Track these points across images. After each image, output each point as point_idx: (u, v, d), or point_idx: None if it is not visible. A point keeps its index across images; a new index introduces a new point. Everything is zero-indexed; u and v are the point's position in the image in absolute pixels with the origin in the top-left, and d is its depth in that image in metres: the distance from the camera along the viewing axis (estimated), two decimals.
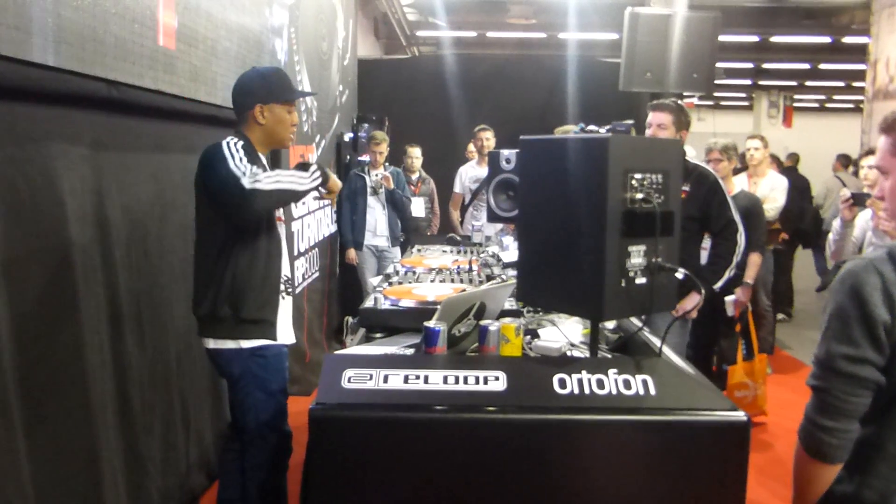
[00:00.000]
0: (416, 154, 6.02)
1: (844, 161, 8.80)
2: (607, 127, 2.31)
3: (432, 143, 6.37)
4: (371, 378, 1.69)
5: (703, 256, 3.38)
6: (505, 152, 2.78)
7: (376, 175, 5.52)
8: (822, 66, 14.25)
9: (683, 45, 5.28)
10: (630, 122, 2.47)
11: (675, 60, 5.29)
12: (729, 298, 4.11)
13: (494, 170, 2.83)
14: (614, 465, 1.65)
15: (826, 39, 11.72)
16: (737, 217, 3.20)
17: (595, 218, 1.70)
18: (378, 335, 2.31)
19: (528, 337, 2.16)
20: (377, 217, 5.59)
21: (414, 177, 6.03)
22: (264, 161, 2.52)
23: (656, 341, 2.04)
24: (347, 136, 6.13)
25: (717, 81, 5.71)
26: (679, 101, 3.49)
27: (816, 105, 21.48)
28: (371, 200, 5.56)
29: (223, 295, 2.39)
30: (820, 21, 10.58)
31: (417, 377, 1.70)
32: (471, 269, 2.99)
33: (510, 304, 2.35)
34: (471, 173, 5.75)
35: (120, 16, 2.39)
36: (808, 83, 17.06)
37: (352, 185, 5.57)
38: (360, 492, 1.66)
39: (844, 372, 1.34)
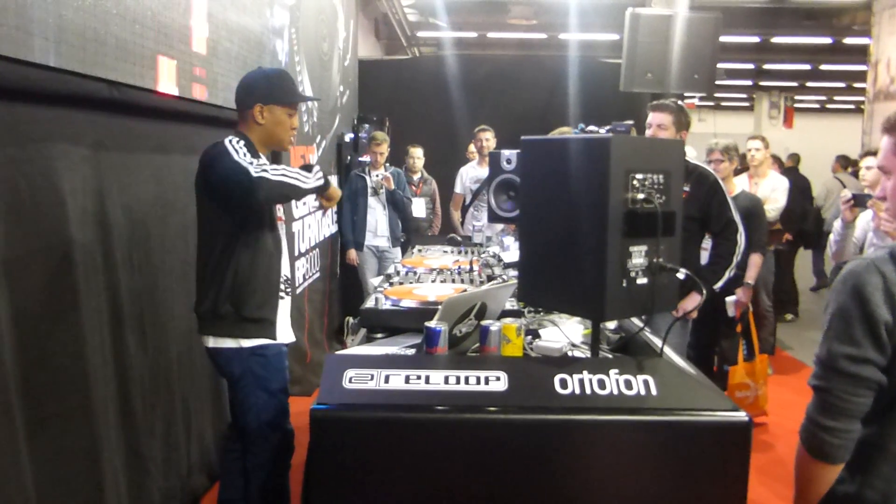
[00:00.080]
0: (418, 154, 6.02)
1: (844, 162, 8.82)
2: (607, 127, 2.31)
3: (433, 144, 6.37)
4: (372, 378, 1.69)
5: (704, 257, 3.38)
6: (506, 153, 2.78)
7: (377, 176, 5.52)
8: (823, 67, 14.25)
9: (684, 45, 5.28)
10: (630, 122, 2.47)
11: (676, 61, 5.29)
12: (730, 299, 4.11)
13: (495, 170, 2.83)
14: (616, 465, 1.65)
15: (827, 40, 11.72)
16: (737, 217, 3.20)
17: (596, 218, 1.69)
18: (379, 335, 2.31)
19: (529, 337, 2.16)
20: (378, 217, 5.59)
21: (416, 177, 6.03)
22: (265, 161, 2.52)
23: (657, 341, 2.04)
24: (348, 137, 6.13)
25: (717, 82, 5.71)
26: (679, 102, 3.49)
27: (817, 106, 21.48)
28: (372, 201, 5.56)
29: (224, 293, 2.39)
30: (821, 22, 10.59)
31: (419, 377, 1.70)
32: (472, 270, 2.99)
33: (511, 304, 2.35)
34: (471, 174, 5.75)
35: (121, 16, 2.39)
36: (809, 84, 17.06)
37: (352, 185, 5.57)
38: (361, 492, 1.66)
39: (846, 372, 1.34)
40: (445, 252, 3.82)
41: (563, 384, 1.69)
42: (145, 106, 2.63)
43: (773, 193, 5.09)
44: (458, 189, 5.88)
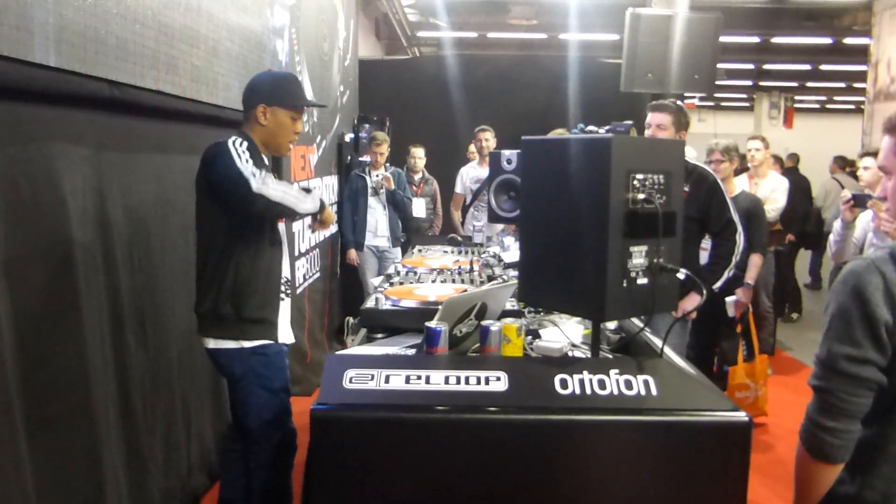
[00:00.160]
0: (419, 154, 6.02)
1: (841, 163, 8.84)
2: (606, 127, 2.31)
3: (434, 144, 6.37)
4: (372, 378, 1.69)
5: (704, 257, 3.38)
6: (506, 153, 2.78)
7: (377, 176, 5.52)
8: (823, 68, 14.25)
9: (684, 45, 5.28)
10: (629, 122, 2.47)
11: (677, 61, 5.29)
12: (730, 299, 4.11)
13: (496, 170, 2.84)
14: (616, 465, 1.65)
15: (827, 40, 11.72)
16: (736, 217, 3.21)
17: (597, 218, 1.70)
18: (379, 335, 2.31)
19: (530, 337, 2.16)
20: (378, 217, 5.59)
21: (417, 177, 6.03)
22: (267, 162, 2.52)
23: (657, 342, 2.04)
24: (348, 137, 6.14)
25: (717, 82, 5.71)
26: (678, 102, 3.50)
27: (817, 106, 21.48)
28: (372, 201, 5.56)
29: (225, 294, 2.39)
30: (821, 22, 10.59)
31: (419, 377, 1.70)
32: (472, 270, 2.99)
33: (511, 304, 2.35)
34: (472, 174, 5.75)
35: (122, 16, 2.39)
36: (809, 84, 17.06)
37: (353, 185, 5.58)
38: (361, 492, 1.66)
39: (846, 372, 1.34)
40: (446, 252, 3.82)
41: (564, 384, 1.69)
42: (146, 106, 2.63)
43: (773, 194, 5.09)
44: (458, 189, 5.88)
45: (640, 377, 1.70)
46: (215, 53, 3.19)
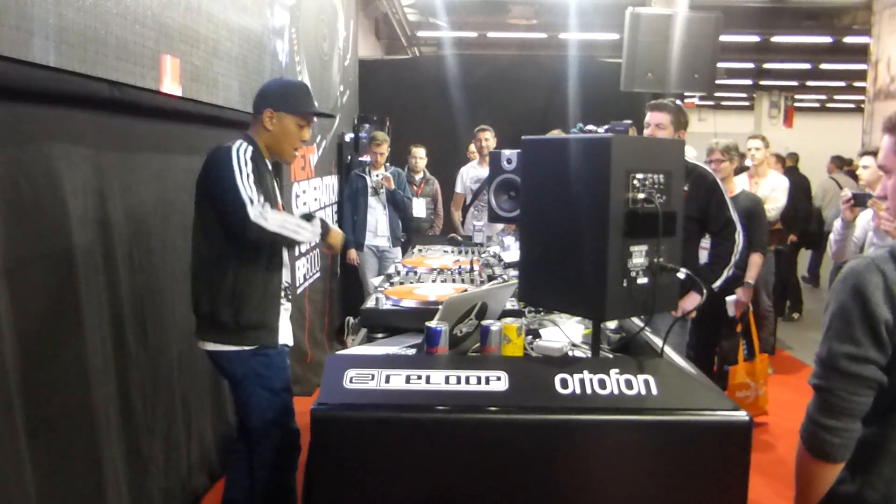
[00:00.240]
0: (420, 154, 6.02)
1: (839, 163, 8.85)
2: (605, 127, 2.31)
3: (434, 144, 6.37)
4: (373, 378, 1.69)
5: (704, 256, 3.39)
6: (506, 152, 2.79)
7: (377, 175, 5.52)
8: (823, 67, 14.25)
9: (684, 45, 5.28)
10: (628, 122, 2.47)
11: (677, 61, 5.29)
12: (730, 299, 4.11)
13: (496, 170, 2.84)
14: (616, 465, 1.65)
15: (827, 40, 11.72)
16: (735, 217, 3.21)
17: (597, 218, 1.70)
18: (379, 335, 2.31)
19: (530, 337, 2.16)
20: (378, 217, 5.59)
21: (418, 177, 6.03)
22: (269, 167, 2.51)
23: (658, 341, 2.04)
24: (348, 137, 6.14)
25: (718, 82, 5.71)
26: (677, 101, 3.50)
27: (817, 105, 21.48)
28: (372, 201, 5.56)
29: (223, 300, 2.38)
30: (821, 21, 10.59)
31: (419, 377, 1.70)
32: (472, 270, 2.99)
33: (512, 304, 2.35)
34: (472, 173, 5.75)
35: (122, 16, 2.39)
36: (809, 83, 17.06)
37: (353, 185, 5.58)
38: (361, 492, 1.66)
39: (846, 371, 1.34)
40: (446, 252, 3.82)
41: (564, 384, 1.69)
42: (146, 106, 2.63)
43: (774, 193, 5.09)
44: (458, 189, 5.88)
45: (641, 377, 1.70)
46: (215, 53, 3.19)
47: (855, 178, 7.98)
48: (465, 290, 2.46)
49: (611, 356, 2.04)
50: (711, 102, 17.96)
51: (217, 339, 2.43)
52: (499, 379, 1.70)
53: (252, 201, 2.27)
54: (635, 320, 2.25)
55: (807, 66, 14.31)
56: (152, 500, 2.70)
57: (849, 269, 1.38)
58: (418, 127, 6.71)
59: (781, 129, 17.21)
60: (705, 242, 3.37)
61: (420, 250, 3.91)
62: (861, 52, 9.08)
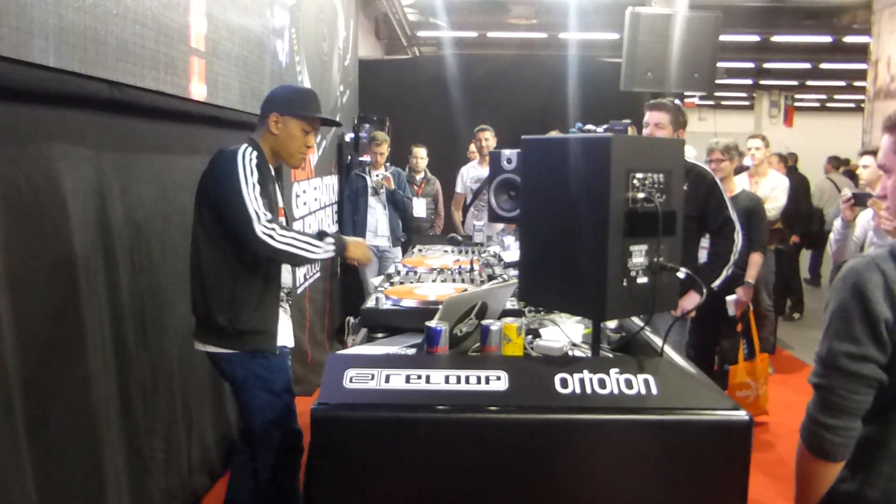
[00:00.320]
0: (421, 154, 6.03)
1: (836, 163, 8.87)
2: (604, 126, 2.31)
3: (434, 144, 6.37)
4: (373, 378, 1.69)
5: (704, 256, 3.38)
6: (506, 152, 2.78)
7: (377, 175, 5.52)
8: (823, 66, 14.25)
9: (684, 44, 5.28)
10: (627, 121, 2.47)
11: (676, 60, 5.29)
12: (730, 298, 4.11)
13: (496, 170, 2.83)
14: (616, 464, 1.65)
15: (827, 39, 11.72)
16: (734, 216, 3.21)
17: (597, 217, 1.70)
18: (380, 335, 2.31)
19: (530, 336, 2.16)
20: (378, 217, 5.59)
21: (418, 177, 6.04)
22: (272, 172, 2.50)
23: (658, 341, 2.04)
24: (348, 137, 6.14)
25: (717, 81, 5.71)
26: (676, 101, 3.49)
27: (817, 105, 21.48)
28: (372, 201, 5.56)
29: (221, 304, 2.37)
30: (821, 21, 10.59)
31: (419, 377, 1.70)
32: (472, 269, 2.99)
33: (512, 303, 2.35)
34: (472, 173, 5.76)
35: (121, 17, 2.39)
36: (809, 83, 17.06)
37: (353, 185, 5.58)
38: (361, 492, 1.66)
39: (846, 370, 1.34)
40: (446, 252, 3.82)
41: (564, 384, 1.69)
42: (146, 106, 2.63)
43: (774, 192, 5.09)
44: (458, 189, 5.88)
45: (641, 376, 1.70)
46: (215, 53, 3.19)
47: (852, 177, 8.01)
48: (466, 290, 2.46)
49: (611, 356, 2.04)
50: (711, 102, 17.96)
51: (216, 342, 2.42)
52: (499, 379, 1.70)
53: (258, 216, 2.26)
54: (635, 320, 2.25)
55: (807, 65, 14.32)
56: (153, 500, 2.70)
57: (849, 268, 1.38)
58: (418, 127, 6.71)
59: (781, 129, 17.22)
60: (705, 242, 3.37)
61: (420, 250, 3.91)
62: (861, 52, 9.08)
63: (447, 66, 7.20)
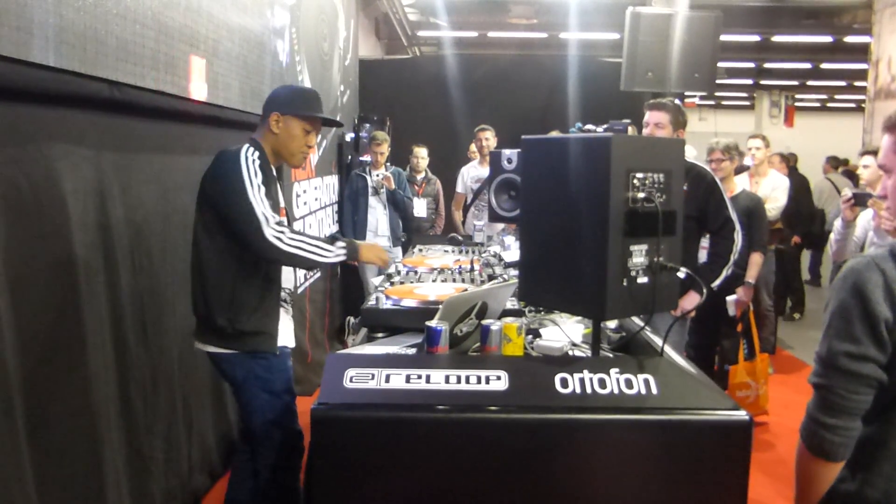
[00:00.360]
0: (422, 154, 6.03)
1: (834, 163, 8.87)
2: (604, 126, 2.31)
3: (434, 144, 6.37)
4: (373, 378, 1.69)
5: (704, 256, 3.38)
6: (506, 152, 2.78)
7: (377, 175, 5.52)
8: (824, 66, 14.25)
9: (685, 44, 5.28)
10: (627, 121, 2.47)
11: (677, 60, 5.29)
12: (731, 298, 4.11)
13: (496, 170, 2.83)
14: (616, 464, 1.65)
15: (828, 39, 11.72)
16: (734, 216, 3.21)
17: (597, 217, 1.70)
18: (380, 335, 2.31)
19: (530, 336, 2.16)
20: (378, 217, 5.59)
21: (419, 177, 6.04)
22: (274, 172, 2.50)
23: (658, 341, 2.04)
24: (349, 137, 6.14)
25: (718, 81, 5.71)
26: (676, 101, 3.50)
27: (818, 105, 21.47)
28: (372, 200, 5.56)
29: (221, 305, 2.36)
30: (821, 21, 10.58)
31: (419, 377, 1.70)
32: (472, 269, 2.99)
33: (512, 303, 2.35)
34: (472, 173, 5.76)
35: (122, 16, 2.39)
36: (810, 83, 17.05)
37: (353, 185, 5.58)
38: (361, 491, 1.66)
39: (846, 369, 1.34)
40: (446, 251, 3.82)
41: (564, 383, 1.69)
42: (146, 106, 2.63)
43: (774, 192, 5.09)
44: (459, 188, 5.88)
45: (641, 376, 1.70)
46: (215, 53, 3.19)
47: (851, 177, 8.02)
48: (466, 290, 2.46)
49: (611, 355, 2.04)
50: (712, 102, 17.96)
51: (216, 342, 2.42)
52: (499, 378, 1.70)
53: (267, 219, 2.26)
54: (635, 320, 2.25)
55: (807, 65, 14.31)
56: (153, 499, 2.70)
57: (849, 268, 1.38)
58: (419, 127, 6.71)
59: (782, 129, 17.21)
60: (705, 242, 3.37)
61: (420, 250, 3.91)
62: (862, 52, 9.08)
63: (447, 66, 7.21)
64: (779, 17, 10.36)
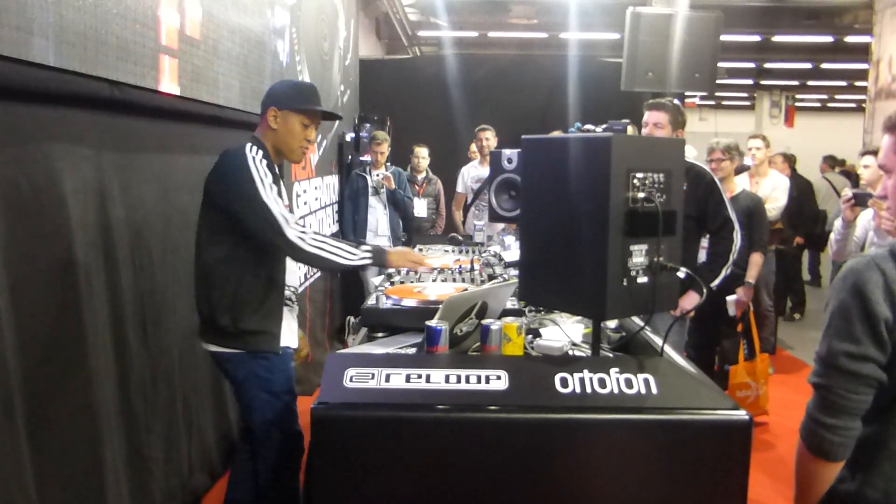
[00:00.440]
0: (423, 154, 6.03)
1: (831, 162, 8.88)
2: (603, 126, 2.31)
3: (435, 143, 6.38)
4: (373, 377, 1.69)
5: (703, 256, 3.38)
6: (507, 152, 2.78)
7: (377, 175, 5.52)
8: (824, 66, 14.23)
9: (685, 44, 5.28)
10: (626, 121, 2.47)
11: (677, 60, 5.29)
12: (731, 298, 4.11)
13: (496, 169, 2.83)
14: (616, 464, 1.65)
15: (828, 39, 11.71)
16: (733, 216, 3.21)
17: (597, 217, 1.70)
18: (380, 334, 2.31)
19: (530, 336, 2.16)
20: (378, 217, 5.59)
21: (420, 177, 6.04)
22: (277, 171, 2.50)
23: (658, 341, 2.04)
24: (349, 137, 6.14)
25: (718, 81, 5.71)
26: (675, 101, 3.50)
27: (818, 105, 21.46)
28: (373, 200, 5.56)
29: (224, 305, 2.36)
30: (822, 21, 10.58)
31: (419, 376, 1.70)
32: (473, 269, 2.99)
33: (512, 303, 2.35)
34: (473, 173, 5.76)
35: (122, 16, 2.39)
36: (810, 83, 17.05)
37: (353, 185, 5.58)
38: (362, 491, 1.66)
39: (846, 369, 1.34)
40: (447, 251, 3.82)
41: (564, 383, 1.69)
42: (147, 106, 2.63)
43: (774, 192, 5.09)
44: (459, 188, 5.88)
45: (641, 376, 1.70)
46: (215, 53, 3.19)
47: (848, 177, 8.02)
48: (466, 290, 2.46)
49: (611, 355, 2.04)
50: (712, 102, 17.96)
51: (218, 341, 2.42)
52: (499, 378, 1.70)
53: (286, 219, 2.27)
54: (635, 319, 2.25)
55: (808, 65, 14.31)
56: (153, 499, 2.70)
57: (849, 268, 1.38)
58: (419, 126, 6.71)
59: (782, 129, 17.20)
60: (705, 242, 3.37)
61: (421, 249, 3.91)
62: (862, 52, 9.07)
63: (448, 66, 7.21)
64: (779, 17, 10.36)
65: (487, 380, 1.69)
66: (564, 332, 2.17)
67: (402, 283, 2.77)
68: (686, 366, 1.92)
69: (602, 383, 1.69)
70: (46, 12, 2.00)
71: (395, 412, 1.64)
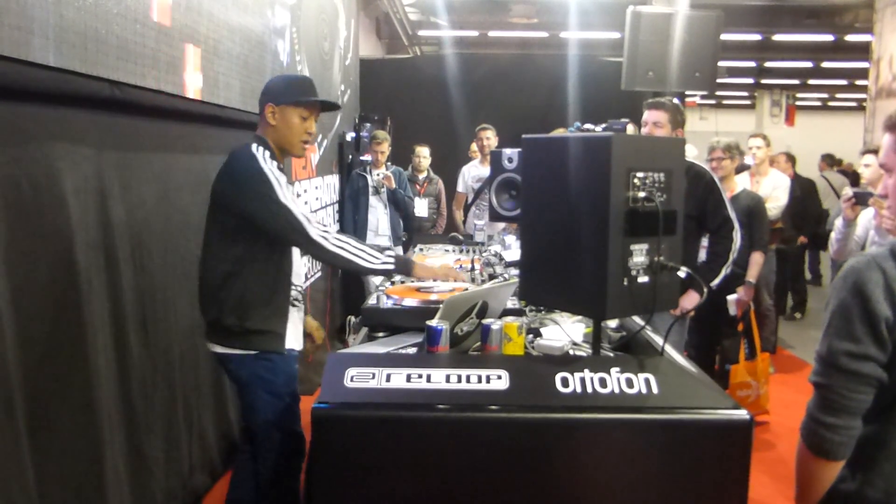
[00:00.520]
0: (424, 154, 6.03)
1: (829, 161, 8.87)
2: (603, 125, 2.31)
3: (435, 143, 6.37)
4: (374, 377, 1.69)
5: (704, 255, 3.38)
6: (507, 151, 2.79)
7: (378, 175, 5.52)
8: (825, 65, 14.24)
9: (685, 43, 5.28)
10: (625, 120, 2.47)
11: (678, 59, 5.29)
12: (731, 298, 4.11)
13: (497, 169, 2.84)
14: (617, 463, 1.65)
15: (829, 38, 11.72)
16: (733, 215, 3.21)
17: (597, 217, 1.70)
18: (380, 334, 2.31)
19: (531, 336, 2.16)
20: (379, 217, 5.59)
21: (421, 177, 6.04)
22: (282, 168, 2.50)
23: (658, 340, 2.04)
24: (349, 136, 6.14)
25: (719, 80, 5.71)
26: (674, 100, 3.50)
27: (819, 104, 21.46)
28: (373, 200, 5.56)
29: (230, 306, 2.36)
30: (822, 20, 10.59)
31: (420, 376, 1.70)
32: (473, 268, 2.99)
33: (512, 302, 2.35)
34: (473, 172, 5.76)
35: (122, 16, 2.39)
36: (811, 82, 17.05)
37: (354, 184, 5.58)
38: (362, 491, 1.66)
39: (846, 369, 1.34)
40: (447, 251, 3.82)
41: (565, 383, 1.69)
42: (147, 105, 2.63)
43: (775, 192, 5.09)
44: (460, 188, 5.88)
45: (642, 375, 1.70)
46: (216, 53, 3.19)
47: (847, 176, 8.01)
48: (466, 289, 2.46)
49: (611, 355, 2.04)
50: (713, 101, 17.96)
51: (223, 342, 2.42)
52: (499, 378, 1.70)
53: (308, 219, 2.29)
54: (636, 319, 2.25)
55: (808, 64, 14.32)
56: (153, 499, 2.70)
57: (849, 267, 1.38)
58: (419, 126, 6.71)
59: (783, 128, 17.20)
60: (705, 241, 3.37)
61: (421, 249, 3.91)
62: (863, 51, 9.07)
63: (448, 66, 7.21)
64: (780, 17, 10.37)
65: (488, 379, 1.69)
66: (565, 331, 2.17)
67: (402, 282, 2.77)
68: (687, 365, 1.91)
69: (603, 383, 1.69)
70: (47, 12, 2.00)
71: (395, 412, 1.64)
